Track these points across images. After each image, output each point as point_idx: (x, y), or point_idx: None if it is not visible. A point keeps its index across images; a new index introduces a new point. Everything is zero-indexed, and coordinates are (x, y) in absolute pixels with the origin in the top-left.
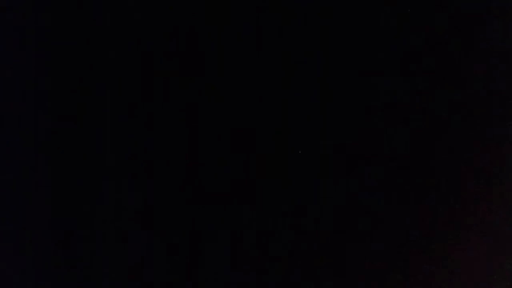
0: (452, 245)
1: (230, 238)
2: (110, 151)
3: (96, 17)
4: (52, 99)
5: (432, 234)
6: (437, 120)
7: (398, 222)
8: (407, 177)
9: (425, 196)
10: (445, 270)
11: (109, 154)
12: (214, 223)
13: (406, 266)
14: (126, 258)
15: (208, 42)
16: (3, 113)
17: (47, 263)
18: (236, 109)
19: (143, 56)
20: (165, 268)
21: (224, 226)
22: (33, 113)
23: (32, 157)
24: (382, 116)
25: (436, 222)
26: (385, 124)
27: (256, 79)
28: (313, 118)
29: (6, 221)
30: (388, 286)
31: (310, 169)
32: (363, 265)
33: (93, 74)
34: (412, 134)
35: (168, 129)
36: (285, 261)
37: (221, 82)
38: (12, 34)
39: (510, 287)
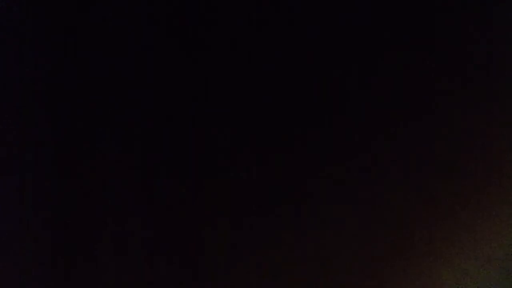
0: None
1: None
2: (111, 151)
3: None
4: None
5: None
6: (436, 120)
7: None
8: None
9: (424, 196)
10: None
11: (111, 155)
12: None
13: (405, 264)
14: (126, 258)
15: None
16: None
17: (47, 263)
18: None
19: (143, 56)
20: (165, 268)
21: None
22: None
23: (32, 156)
24: (381, 115)
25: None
26: (385, 123)
27: (255, 80)
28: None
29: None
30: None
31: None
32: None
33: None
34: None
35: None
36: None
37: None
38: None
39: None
